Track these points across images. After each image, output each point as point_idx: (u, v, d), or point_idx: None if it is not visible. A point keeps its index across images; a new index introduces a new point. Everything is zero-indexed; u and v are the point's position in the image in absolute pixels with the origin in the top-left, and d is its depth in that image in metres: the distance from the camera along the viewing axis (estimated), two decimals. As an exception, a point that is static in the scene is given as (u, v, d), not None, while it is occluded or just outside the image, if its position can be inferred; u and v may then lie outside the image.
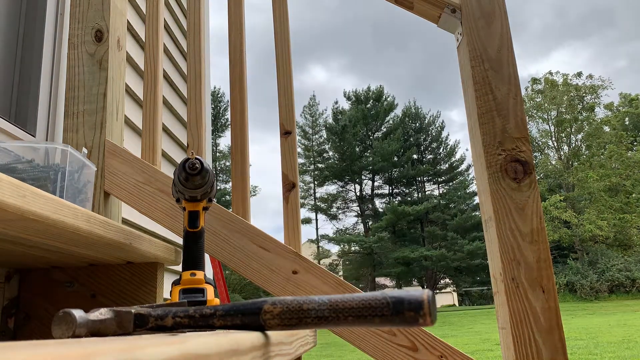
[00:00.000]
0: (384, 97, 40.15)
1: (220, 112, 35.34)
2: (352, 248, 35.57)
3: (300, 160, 38.79)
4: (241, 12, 1.33)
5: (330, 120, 38.81)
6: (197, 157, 0.69)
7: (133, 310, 0.48)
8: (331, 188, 39.28)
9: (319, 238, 38.30)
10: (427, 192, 40.39)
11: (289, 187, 1.22)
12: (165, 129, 2.60)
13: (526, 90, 35.90)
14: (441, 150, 40.51)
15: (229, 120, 1.29)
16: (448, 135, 44.45)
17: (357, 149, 38.48)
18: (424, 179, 40.53)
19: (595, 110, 35.72)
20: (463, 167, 39.23)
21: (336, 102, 42.06)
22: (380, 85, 45.15)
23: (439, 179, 40.17)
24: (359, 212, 39.66)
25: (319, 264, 1.40)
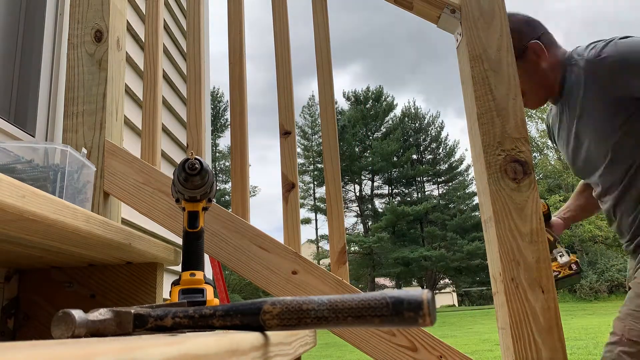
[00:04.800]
0: (383, 97, 40.16)
1: (220, 112, 35.34)
2: (352, 248, 35.59)
3: (300, 161, 38.79)
4: (241, 11, 1.33)
5: (329, 121, 38.79)
6: (197, 157, 0.69)
7: (132, 311, 0.48)
8: (331, 188, 39.23)
9: (319, 238, 38.32)
10: (426, 193, 40.39)
11: (288, 187, 1.22)
12: (165, 129, 2.60)
13: (525, 90, 35.83)
14: (441, 150, 40.52)
15: (229, 120, 1.29)
16: (447, 135, 44.36)
17: (357, 149, 38.47)
18: (424, 179, 40.54)
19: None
20: (462, 167, 39.24)
21: (335, 103, 42.02)
22: (380, 86, 45.16)
23: (439, 179, 40.17)
24: (359, 212, 39.65)
25: (319, 264, 1.40)
